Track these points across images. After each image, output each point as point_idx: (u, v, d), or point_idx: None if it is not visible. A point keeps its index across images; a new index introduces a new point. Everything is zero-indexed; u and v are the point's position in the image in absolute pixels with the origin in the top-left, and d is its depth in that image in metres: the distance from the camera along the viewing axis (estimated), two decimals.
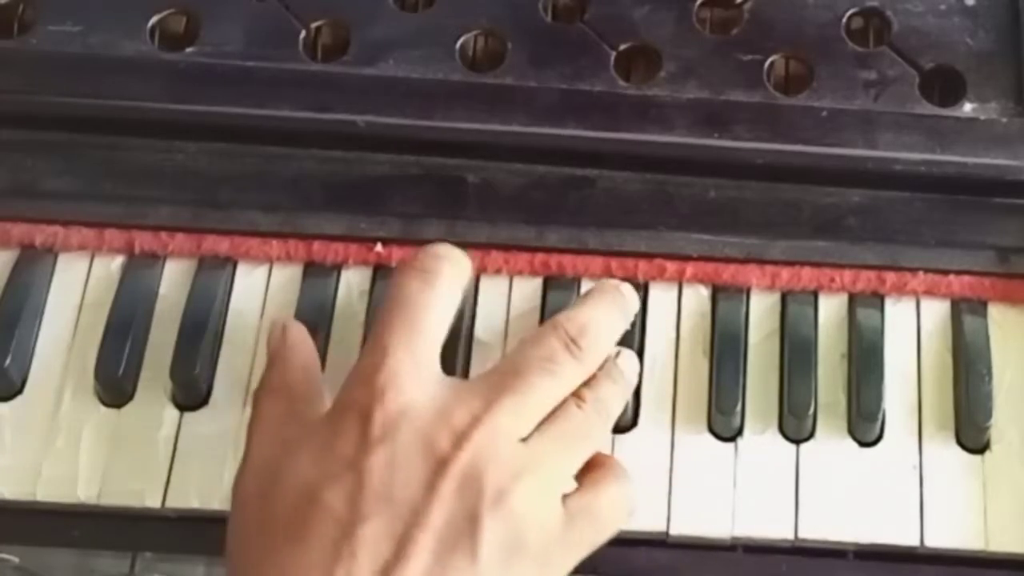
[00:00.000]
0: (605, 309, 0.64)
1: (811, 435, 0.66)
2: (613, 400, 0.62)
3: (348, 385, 0.60)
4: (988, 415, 0.65)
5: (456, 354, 0.66)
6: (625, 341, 0.66)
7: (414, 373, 0.59)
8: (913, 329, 0.68)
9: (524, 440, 0.59)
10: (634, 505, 0.62)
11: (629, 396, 0.64)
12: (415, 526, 0.55)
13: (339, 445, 0.57)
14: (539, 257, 0.69)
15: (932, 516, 0.64)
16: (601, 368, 0.62)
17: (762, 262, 0.69)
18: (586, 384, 0.61)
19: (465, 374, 0.67)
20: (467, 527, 0.56)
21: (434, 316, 0.61)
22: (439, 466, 0.56)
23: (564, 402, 0.60)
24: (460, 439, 0.57)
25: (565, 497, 0.59)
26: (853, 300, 0.68)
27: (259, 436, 0.61)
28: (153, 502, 0.64)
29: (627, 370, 0.63)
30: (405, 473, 0.56)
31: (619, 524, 0.61)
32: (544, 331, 0.62)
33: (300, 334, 0.64)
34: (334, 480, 0.56)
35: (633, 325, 0.67)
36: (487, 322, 0.68)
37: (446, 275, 0.62)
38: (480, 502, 0.56)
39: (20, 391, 0.67)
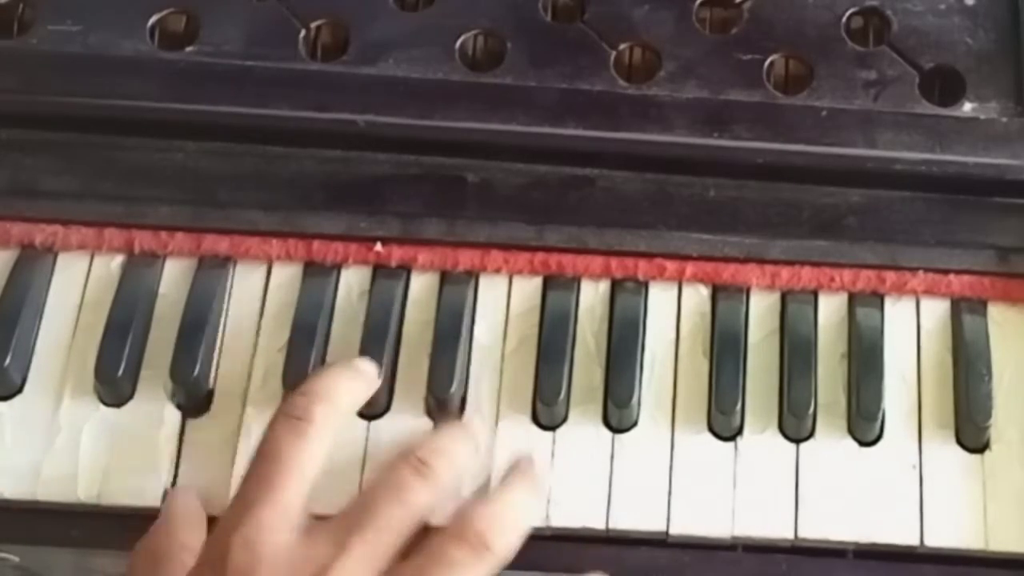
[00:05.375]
0: (454, 436, 0.64)
1: (811, 435, 0.66)
2: (500, 534, 0.59)
3: (208, 540, 0.60)
4: (988, 415, 0.65)
5: (456, 355, 0.66)
6: (627, 340, 0.67)
7: (271, 529, 0.58)
8: (913, 329, 0.68)
9: (387, 572, 0.58)
10: None
11: (521, 531, 0.61)
12: None
13: None
14: (539, 257, 0.69)
15: (932, 515, 0.64)
16: (495, 499, 0.61)
17: (762, 262, 0.69)
18: (473, 515, 0.60)
19: (465, 375, 0.67)
20: None
21: (301, 468, 0.60)
22: None
23: (438, 537, 0.59)
24: None
25: None
26: (853, 300, 0.69)
27: None
28: (153, 502, 0.64)
29: (524, 503, 0.62)
30: None
31: None
32: (393, 460, 0.61)
33: (184, 492, 0.64)
34: None
35: (635, 325, 0.67)
36: (487, 321, 0.68)
37: (318, 421, 0.61)
38: None
39: (20, 391, 0.67)
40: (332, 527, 0.59)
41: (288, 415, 0.61)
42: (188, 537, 0.61)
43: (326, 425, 0.62)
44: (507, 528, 0.60)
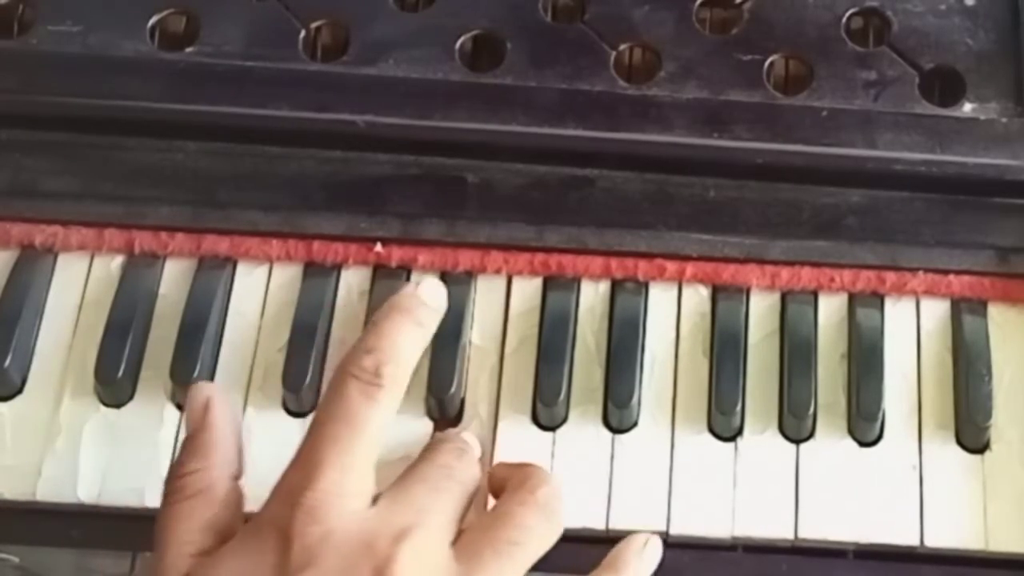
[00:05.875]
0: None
1: (811, 435, 0.66)
2: (561, 503, 0.60)
3: (273, 498, 0.57)
4: (988, 415, 0.65)
5: (456, 355, 0.66)
6: (627, 341, 0.67)
7: (342, 495, 0.56)
8: (913, 329, 0.68)
9: (454, 543, 0.58)
10: None
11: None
12: None
13: (259, 568, 0.55)
14: (539, 257, 0.69)
15: (932, 516, 0.64)
16: (542, 474, 0.61)
17: (762, 262, 0.69)
18: (529, 482, 0.60)
19: (464, 375, 0.67)
20: None
21: (372, 432, 0.59)
22: None
23: (504, 504, 0.59)
24: (389, 552, 0.55)
25: None
26: (853, 300, 0.69)
27: (175, 546, 0.57)
28: (153, 502, 0.64)
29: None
30: None
31: None
32: (430, 445, 0.62)
33: (222, 413, 0.60)
34: None
35: (635, 325, 0.67)
36: (487, 322, 0.68)
37: (388, 384, 0.59)
38: None
39: (20, 391, 0.67)
40: (399, 497, 0.58)
41: (357, 376, 0.59)
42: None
43: (396, 388, 0.60)
44: (563, 499, 0.60)
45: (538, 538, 0.59)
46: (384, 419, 0.60)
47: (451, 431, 0.66)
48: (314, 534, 0.55)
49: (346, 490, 0.57)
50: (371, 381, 0.59)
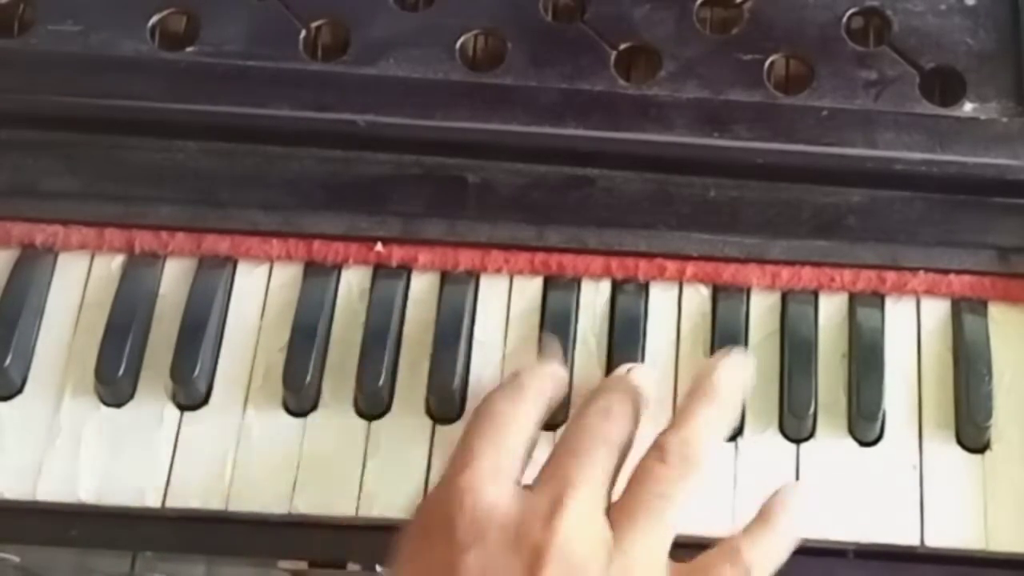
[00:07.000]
0: (625, 386, 0.63)
1: (811, 435, 0.66)
2: (699, 447, 0.61)
3: (435, 489, 0.60)
4: (988, 415, 0.65)
5: (456, 354, 0.66)
6: (627, 341, 0.67)
7: (495, 478, 0.59)
8: (913, 329, 0.68)
9: (607, 511, 0.59)
10: None
11: (714, 443, 0.62)
12: None
13: (432, 552, 0.58)
14: (539, 257, 0.69)
15: (932, 516, 0.64)
16: (683, 423, 0.61)
17: (762, 262, 0.69)
18: (670, 430, 0.61)
19: (465, 374, 0.67)
20: None
21: (516, 428, 0.61)
22: (535, 556, 0.56)
23: (645, 459, 0.60)
24: (547, 525, 0.57)
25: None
26: (853, 300, 0.68)
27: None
28: (153, 502, 0.64)
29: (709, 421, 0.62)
30: (502, 572, 0.56)
31: None
32: (580, 410, 0.62)
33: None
34: None
35: (635, 325, 0.67)
36: (487, 321, 0.68)
37: (530, 391, 0.62)
38: None
39: (20, 391, 0.67)
40: (548, 476, 0.60)
41: (503, 387, 0.62)
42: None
43: (539, 395, 0.62)
44: (702, 442, 0.61)
45: (675, 486, 0.60)
46: (529, 417, 0.61)
47: (607, 383, 0.64)
48: (474, 513, 0.57)
49: (496, 475, 0.59)
50: (513, 394, 0.62)
